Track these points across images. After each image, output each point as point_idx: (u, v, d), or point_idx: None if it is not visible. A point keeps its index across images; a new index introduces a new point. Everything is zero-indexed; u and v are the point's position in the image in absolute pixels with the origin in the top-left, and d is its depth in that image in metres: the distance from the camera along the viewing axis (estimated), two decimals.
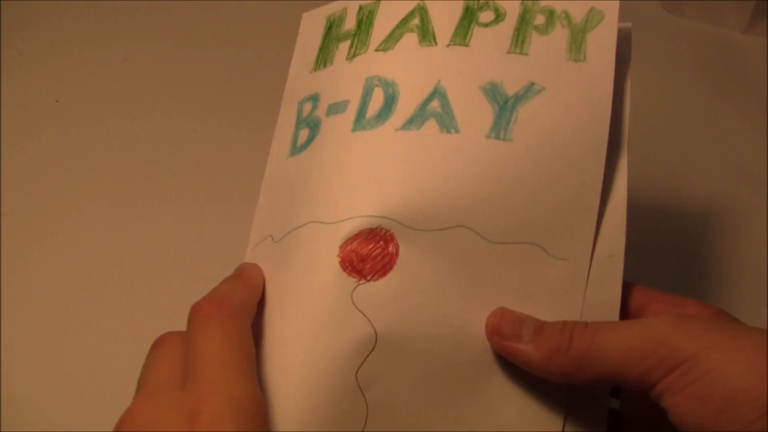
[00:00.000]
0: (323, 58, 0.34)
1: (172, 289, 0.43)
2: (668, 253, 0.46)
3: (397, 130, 0.29)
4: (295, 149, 0.32)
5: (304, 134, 0.32)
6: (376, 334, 0.25)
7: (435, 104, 0.29)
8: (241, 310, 0.26)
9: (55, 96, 0.54)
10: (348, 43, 0.32)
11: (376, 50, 0.31)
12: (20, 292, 0.43)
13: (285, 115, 0.34)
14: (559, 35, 0.30)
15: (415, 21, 0.31)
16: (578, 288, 0.27)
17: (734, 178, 0.49)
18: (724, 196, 0.48)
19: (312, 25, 0.36)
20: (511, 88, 0.29)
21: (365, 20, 0.32)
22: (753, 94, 0.54)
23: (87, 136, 0.51)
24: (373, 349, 0.25)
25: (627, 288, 0.29)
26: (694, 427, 0.22)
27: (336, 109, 0.31)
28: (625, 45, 0.30)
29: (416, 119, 0.29)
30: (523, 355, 0.25)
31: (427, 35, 0.31)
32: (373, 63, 0.31)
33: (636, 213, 0.49)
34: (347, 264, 0.26)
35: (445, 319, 0.26)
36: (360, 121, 0.30)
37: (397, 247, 0.27)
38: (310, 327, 0.26)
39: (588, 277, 0.27)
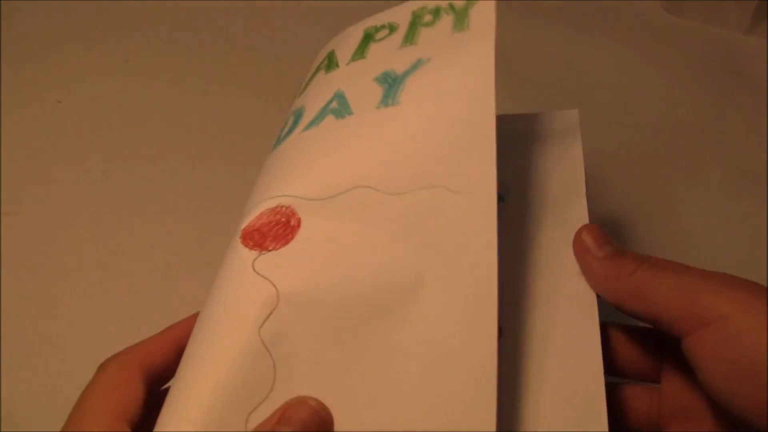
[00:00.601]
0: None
1: (172, 290, 0.43)
2: (668, 253, 0.46)
3: (300, 133, 0.31)
4: None
5: None
6: (277, 292, 0.26)
7: (333, 104, 0.31)
8: (134, 360, 0.27)
9: (56, 96, 0.54)
10: None
11: (296, 98, 0.35)
12: (20, 292, 0.43)
13: None
14: (445, 21, 0.32)
15: (325, 62, 0.35)
16: (489, 222, 0.25)
17: (734, 178, 0.49)
18: (724, 196, 0.48)
19: None
20: (401, 69, 0.31)
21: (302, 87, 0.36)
22: (753, 94, 0.54)
23: (88, 137, 0.51)
24: (275, 308, 0.25)
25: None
26: (721, 388, 0.23)
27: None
28: (575, 123, 0.34)
29: (316, 119, 0.31)
30: (590, 266, 0.28)
31: (332, 65, 0.34)
32: (293, 105, 0.34)
33: (636, 214, 0.49)
34: (248, 240, 0.27)
35: (354, 272, 0.26)
36: (277, 143, 0.32)
37: (298, 220, 0.27)
38: (218, 304, 0.26)
39: (495, 210, 0.26)
